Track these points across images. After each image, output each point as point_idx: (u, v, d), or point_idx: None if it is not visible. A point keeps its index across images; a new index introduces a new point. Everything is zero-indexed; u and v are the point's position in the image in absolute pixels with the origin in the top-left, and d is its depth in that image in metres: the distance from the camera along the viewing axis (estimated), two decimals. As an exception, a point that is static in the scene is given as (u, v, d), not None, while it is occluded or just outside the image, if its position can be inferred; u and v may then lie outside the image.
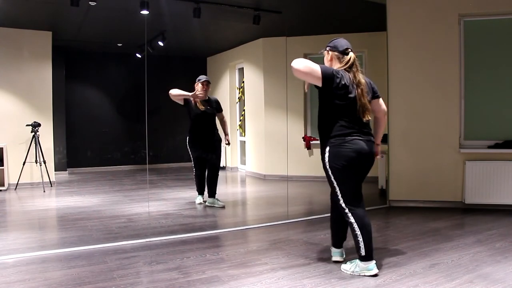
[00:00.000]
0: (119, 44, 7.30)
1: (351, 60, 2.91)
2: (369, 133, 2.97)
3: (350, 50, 2.96)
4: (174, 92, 5.06)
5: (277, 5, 5.80)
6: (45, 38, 6.60)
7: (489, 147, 4.90)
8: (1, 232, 4.15)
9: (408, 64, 5.11)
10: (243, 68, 7.90)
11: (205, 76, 5.15)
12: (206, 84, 5.07)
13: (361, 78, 2.90)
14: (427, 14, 5.01)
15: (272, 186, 6.76)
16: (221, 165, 7.55)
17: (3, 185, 6.16)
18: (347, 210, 2.89)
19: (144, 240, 3.78)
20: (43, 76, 6.61)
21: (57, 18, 6.13)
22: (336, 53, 2.96)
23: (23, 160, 6.31)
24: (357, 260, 2.90)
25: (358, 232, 2.85)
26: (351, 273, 2.90)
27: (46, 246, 3.67)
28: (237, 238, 3.93)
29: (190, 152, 5.26)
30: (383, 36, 5.25)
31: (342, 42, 2.98)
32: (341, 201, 2.90)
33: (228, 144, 5.37)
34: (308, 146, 7.28)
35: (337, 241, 3.18)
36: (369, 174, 6.84)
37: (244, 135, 7.93)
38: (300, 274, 2.94)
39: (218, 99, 5.41)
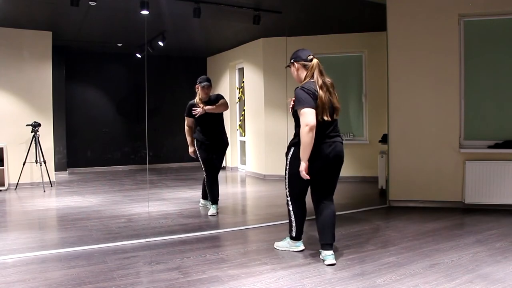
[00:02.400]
0: (119, 44, 7.31)
1: (315, 65, 3.12)
2: (336, 136, 3.13)
3: (313, 56, 3.17)
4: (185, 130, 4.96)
5: (277, 5, 5.80)
6: (45, 38, 6.60)
7: (489, 147, 4.90)
8: (1, 232, 4.15)
9: (408, 64, 5.11)
10: (243, 68, 7.90)
11: (205, 78, 4.85)
12: (207, 88, 4.80)
13: (326, 79, 3.10)
14: (427, 14, 5.01)
15: (272, 186, 6.76)
16: (222, 165, 7.56)
17: (3, 185, 6.17)
18: (288, 199, 3.33)
19: (144, 240, 3.78)
20: (43, 76, 6.61)
21: (57, 18, 6.13)
22: (301, 62, 3.18)
23: (23, 160, 6.31)
24: (288, 238, 3.46)
25: (293, 218, 3.35)
26: (283, 249, 3.43)
27: (46, 246, 3.67)
28: (237, 238, 3.93)
29: (199, 155, 4.85)
30: (383, 36, 5.25)
31: (304, 51, 3.21)
32: (286, 191, 3.32)
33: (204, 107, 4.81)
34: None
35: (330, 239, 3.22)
36: (369, 174, 6.85)
37: (244, 135, 7.93)
38: (300, 274, 2.94)
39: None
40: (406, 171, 5.12)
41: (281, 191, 5.95)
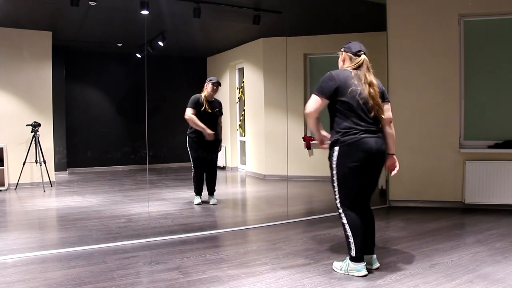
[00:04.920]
0: (119, 44, 7.30)
1: (361, 61, 2.98)
2: (379, 131, 2.97)
3: (362, 52, 3.03)
4: (189, 118, 5.05)
5: (277, 5, 5.80)
6: (45, 38, 6.60)
7: (489, 147, 4.90)
8: (1, 232, 4.15)
9: (408, 64, 5.11)
10: (243, 68, 7.90)
11: (216, 78, 5.21)
12: (216, 86, 5.16)
13: (373, 79, 2.96)
14: (427, 14, 5.01)
15: (272, 186, 6.76)
16: (222, 165, 7.57)
17: (3, 185, 6.16)
18: (341, 211, 2.93)
19: (144, 240, 3.78)
20: (43, 76, 6.61)
21: (57, 18, 6.13)
22: (349, 54, 3.05)
23: (23, 160, 6.31)
24: (348, 259, 2.93)
25: (349, 233, 2.88)
26: (341, 272, 2.94)
27: (46, 246, 3.67)
28: (237, 238, 3.93)
29: (190, 153, 5.25)
30: (383, 36, 5.25)
31: (356, 44, 3.07)
32: (337, 201, 2.95)
33: (219, 149, 5.39)
34: (308, 146, 7.28)
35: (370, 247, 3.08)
36: (369, 174, 6.65)
37: (244, 135, 7.93)
38: (300, 274, 2.94)
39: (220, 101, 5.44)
40: (406, 171, 5.11)
41: (281, 190, 5.96)
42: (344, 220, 2.90)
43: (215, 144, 5.25)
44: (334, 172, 2.89)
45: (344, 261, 2.97)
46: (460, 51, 4.99)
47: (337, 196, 2.93)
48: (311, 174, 7.14)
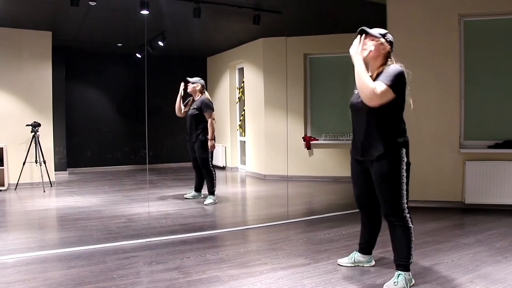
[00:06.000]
0: (119, 44, 7.30)
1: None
2: None
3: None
4: (176, 108, 5.50)
5: (277, 5, 5.80)
6: (45, 38, 6.60)
7: (489, 147, 4.90)
8: (1, 232, 4.15)
9: (408, 64, 5.06)
10: (243, 68, 7.90)
11: (193, 79, 5.41)
12: (185, 83, 5.40)
13: None
14: (427, 14, 5.01)
15: (272, 186, 6.76)
16: (222, 165, 7.57)
17: (3, 185, 6.17)
18: (408, 216, 2.64)
19: (144, 240, 3.78)
20: (43, 76, 6.61)
21: (57, 18, 6.13)
22: (387, 42, 2.88)
23: (23, 160, 6.31)
24: (403, 273, 2.63)
25: (413, 238, 2.65)
26: None
27: (46, 246, 3.67)
28: (237, 238, 3.93)
29: None
30: (383, 36, 5.25)
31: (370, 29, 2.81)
32: (405, 206, 2.62)
33: (211, 148, 5.28)
34: (308, 146, 7.29)
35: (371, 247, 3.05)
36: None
37: (244, 135, 7.93)
38: (300, 274, 2.94)
39: (212, 100, 5.44)
40: (406, 171, 5.11)
41: (281, 190, 5.96)
42: (411, 224, 2.64)
43: (195, 143, 5.31)
44: (404, 174, 2.60)
45: (399, 275, 2.62)
46: (460, 51, 4.99)
47: (404, 201, 2.61)
48: (311, 174, 7.15)
